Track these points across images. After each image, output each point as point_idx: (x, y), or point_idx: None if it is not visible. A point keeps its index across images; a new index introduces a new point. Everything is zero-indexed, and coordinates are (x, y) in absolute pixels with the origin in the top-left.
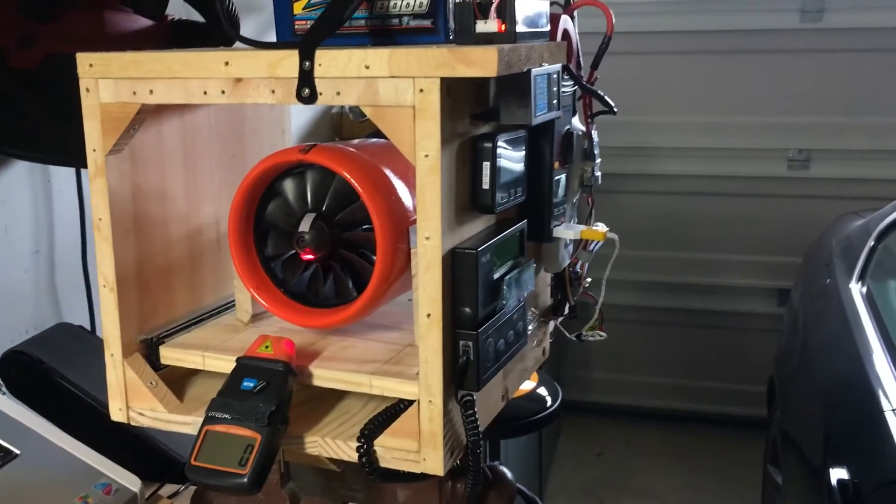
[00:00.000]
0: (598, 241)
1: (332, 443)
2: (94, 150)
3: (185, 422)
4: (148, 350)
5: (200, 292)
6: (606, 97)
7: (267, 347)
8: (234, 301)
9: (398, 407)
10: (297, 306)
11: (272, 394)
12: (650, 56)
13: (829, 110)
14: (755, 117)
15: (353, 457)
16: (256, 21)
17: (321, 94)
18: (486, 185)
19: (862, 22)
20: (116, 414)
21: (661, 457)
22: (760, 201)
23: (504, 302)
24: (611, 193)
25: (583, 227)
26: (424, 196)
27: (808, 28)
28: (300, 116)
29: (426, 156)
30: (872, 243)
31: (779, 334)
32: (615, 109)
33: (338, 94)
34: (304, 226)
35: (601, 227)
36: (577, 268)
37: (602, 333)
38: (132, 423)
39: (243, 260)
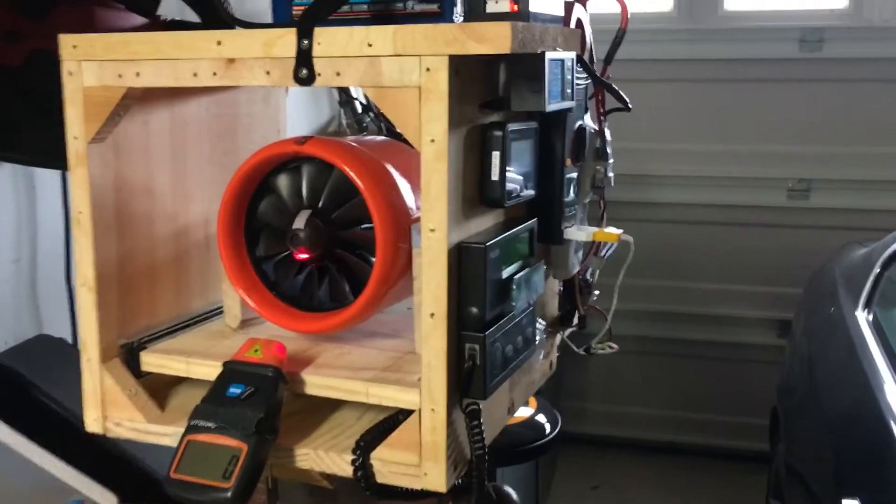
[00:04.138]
0: (612, 246)
1: (324, 455)
2: (76, 138)
3: (165, 433)
4: (128, 355)
5: (187, 295)
6: (621, 92)
7: (256, 351)
8: (222, 306)
9: (396, 418)
10: (289, 310)
11: (260, 401)
12: (649, 84)
13: (830, 140)
14: (755, 146)
15: (348, 471)
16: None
17: (319, 74)
18: (495, 176)
19: (861, 52)
20: (92, 424)
21: (659, 491)
22: (759, 231)
23: (514, 303)
24: (607, 221)
25: (595, 228)
26: (430, 185)
27: (807, 57)
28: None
29: (432, 140)
30: (878, 270)
31: (780, 366)
32: (630, 106)
33: (337, 74)
34: (299, 223)
35: (615, 230)
36: (588, 275)
37: (613, 346)
38: (108, 434)
39: (233, 260)
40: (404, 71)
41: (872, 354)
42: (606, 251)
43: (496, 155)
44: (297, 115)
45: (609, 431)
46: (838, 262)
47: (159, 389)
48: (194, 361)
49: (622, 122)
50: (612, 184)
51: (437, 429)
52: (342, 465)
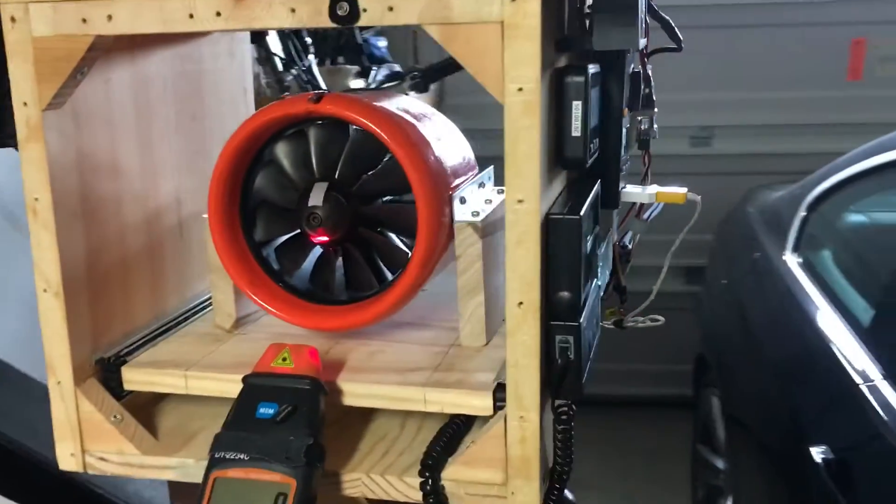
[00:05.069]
0: (656, 207)
1: (380, 480)
2: (26, 104)
3: (167, 465)
4: (106, 373)
5: (163, 293)
6: (676, 28)
7: (285, 360)
8: (200, 304)
9: (455, 425)
10: (304, 304)
11: (302, 422)
12: None
13: (729, 86)
14: (655, 95)
15: (416, 496)
16: None
17: (365, 10)
18: (576, 131)
19: None
20: (67, 461)
21: (583, 443)
22: (662, 180)
23: (599, 283)
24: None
25: (656, 187)
26: (517, 145)
27: (701, 4)
28: None
29: (520, 89)
30: (804, 213)
31: (699, 312)
32: (682, 45)
33: (390, 9)
34: (315, 199)
35: (678, 188)
36: (627, 241)
37: (658, 318)
38: (90, 472)
39: (230, 248)
40: (481, 1)
41: (812, 297)
42: (650, 213)
43: (577, 106)
44: None
45: None
46: (753, 206)
47: (140, 409)
48: (194, 375)
49: None
50: (657, 136)
51: (527, 440)
52: (406, 490)
